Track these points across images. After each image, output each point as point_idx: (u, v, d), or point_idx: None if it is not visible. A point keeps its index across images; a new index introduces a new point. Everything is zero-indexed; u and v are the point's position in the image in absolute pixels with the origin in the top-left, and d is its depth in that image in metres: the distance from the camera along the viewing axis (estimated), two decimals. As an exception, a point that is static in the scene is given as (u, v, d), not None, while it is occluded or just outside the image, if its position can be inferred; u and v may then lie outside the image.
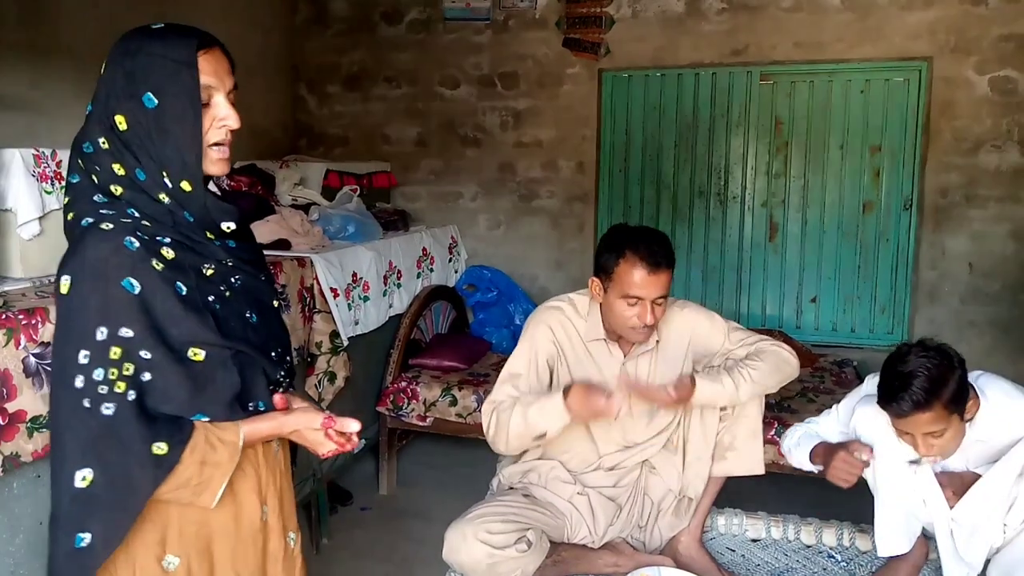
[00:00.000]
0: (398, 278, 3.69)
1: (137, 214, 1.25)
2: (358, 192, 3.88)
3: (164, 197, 1.25)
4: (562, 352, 2.22)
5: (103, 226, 1.21)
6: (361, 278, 3.34)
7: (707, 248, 4.47)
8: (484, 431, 2.16)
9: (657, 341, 2.22)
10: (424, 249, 4.02)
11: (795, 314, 4.38)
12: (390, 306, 3.62)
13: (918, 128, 4.07)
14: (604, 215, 4.59)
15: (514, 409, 2.06)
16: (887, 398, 1.83)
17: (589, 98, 4.49)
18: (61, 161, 2.11)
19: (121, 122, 1.23)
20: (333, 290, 3.10)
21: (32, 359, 1.65)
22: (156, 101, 1.22)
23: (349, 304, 3.23)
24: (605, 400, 1.92)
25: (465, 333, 4.28)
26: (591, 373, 2.20)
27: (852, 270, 4.28)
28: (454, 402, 3.38)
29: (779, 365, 2.18)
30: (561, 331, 2.22)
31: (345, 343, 3.14)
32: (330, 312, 3.07)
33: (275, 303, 1.47)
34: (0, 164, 1.99)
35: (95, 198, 1.25)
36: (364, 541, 3.13)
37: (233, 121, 1.28)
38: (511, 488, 2.27)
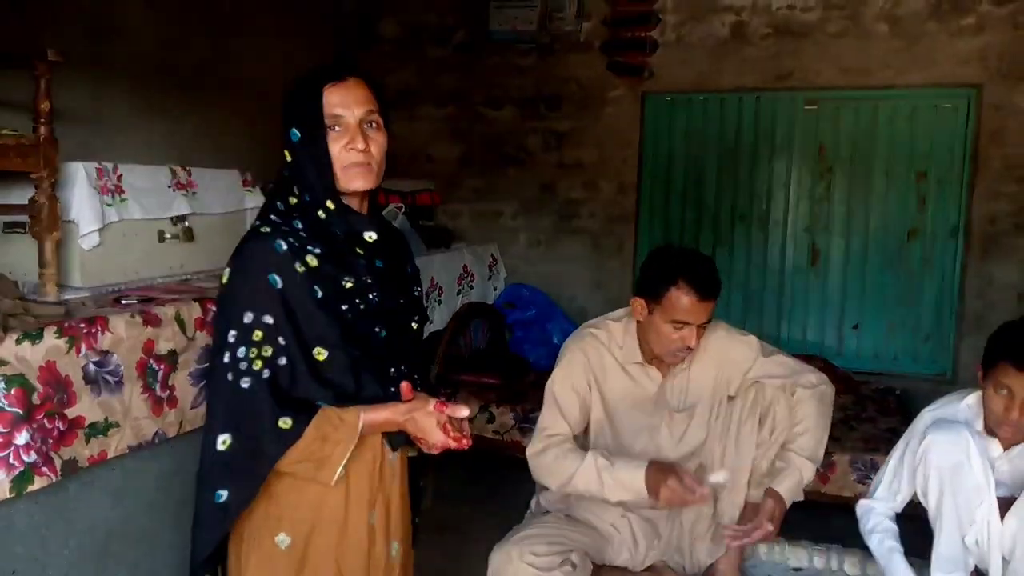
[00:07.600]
0: (439, 294, 3.73)
1: (300, 225, 1.44)
2: (403, 210, 3.93)
3: (321, 214, 1.45)
4: (596, 379, 2.23)
5: (263, 229, 1.42)
6: (403, 294, 3.38)
7: (748, 272, 4.44)
8: (528, 453, 2.17)
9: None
10: (465, 266, 4.05)
11: (836, 341, 4.33)
12: (431, 322, 3.66)
13: (966, 155, 4.02)
14: (644, 237, 4.59)
15: (584, 462, 2.05)
16: None
17: (632, 121, 4.51)
18: (122, 175, 2.18)
19: (287, 155, 1.46)
20: (376, 305, 3.13)
21: (92, 366, 1.68)
22: (299, 134, 1.42)
23: (391, 319, 3.27)
24: (693, 492, 1.94)
25: (503, 350, 4.29)
26: (629, 397, 2.22)
27: (896, 297, 4.22)
28: (491, 419, 3.39)
29: (822, 410, 2.24)
30: (596, 356, 2.23)
31: (386, 358, 3.17)
32: (373, 327, 3.11)
33: (414, 324, 1.60)
34: (65, 177, 2.04)
35: (277, 204, 1.47)
36: (399, 556, 3.14)
37: (359, 143, 1.41)
38: (548, 511, 2.27)
